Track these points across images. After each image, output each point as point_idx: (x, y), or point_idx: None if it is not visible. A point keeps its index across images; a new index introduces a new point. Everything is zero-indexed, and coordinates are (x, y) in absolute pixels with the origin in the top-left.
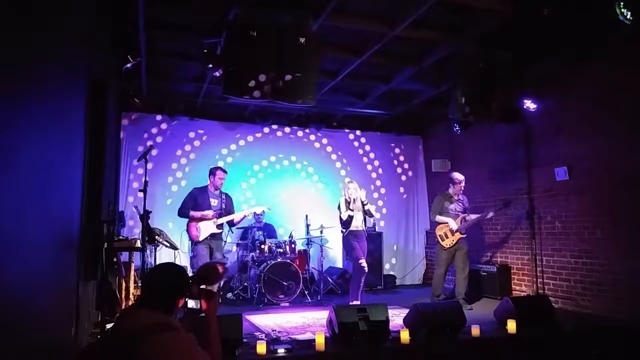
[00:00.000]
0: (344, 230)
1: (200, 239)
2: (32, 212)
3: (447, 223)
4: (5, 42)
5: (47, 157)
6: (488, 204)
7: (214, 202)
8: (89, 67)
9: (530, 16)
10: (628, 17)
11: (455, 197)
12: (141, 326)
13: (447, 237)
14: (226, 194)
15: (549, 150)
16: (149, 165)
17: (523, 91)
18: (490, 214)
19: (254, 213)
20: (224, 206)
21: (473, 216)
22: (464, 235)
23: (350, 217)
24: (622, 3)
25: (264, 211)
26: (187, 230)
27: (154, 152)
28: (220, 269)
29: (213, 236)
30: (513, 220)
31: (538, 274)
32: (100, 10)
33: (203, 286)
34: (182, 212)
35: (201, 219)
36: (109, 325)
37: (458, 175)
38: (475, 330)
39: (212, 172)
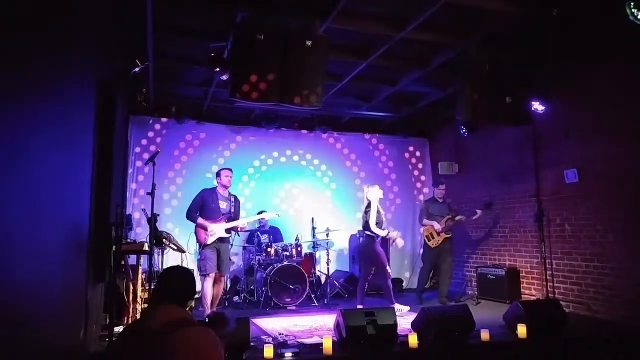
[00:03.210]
0: (375, 235)
1: (209, 242)
2: (42, 215)
3: (432, 225)
4: (14, 46)
5: (56, 160)
6: (496, 207)
7: (223, 205)
8: (98, 70)
9: (538, 18)
10: (639, 17)
11: (441, 201)
12: (169, 320)
13: (433, 238)
14: (235, 197)
15: (557, 153)
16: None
17: (531, 93)
18: (477, 216)
19: (262, 219)
20: (232, 210)
21: (457, 218)
22: (449, 236)
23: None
24: (632, 3)
25: (273, 217)
26: (196, 233)
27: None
28: (227, 325)
29: (221, 240)
30: (520, 222)
31: (548, 277)
32: (108, 15)
33: None
34: (190, 216)
35: (207, 227)
36: (117, 329)
37: (438, 181)
38: (485, 335)
39: (218, 173)
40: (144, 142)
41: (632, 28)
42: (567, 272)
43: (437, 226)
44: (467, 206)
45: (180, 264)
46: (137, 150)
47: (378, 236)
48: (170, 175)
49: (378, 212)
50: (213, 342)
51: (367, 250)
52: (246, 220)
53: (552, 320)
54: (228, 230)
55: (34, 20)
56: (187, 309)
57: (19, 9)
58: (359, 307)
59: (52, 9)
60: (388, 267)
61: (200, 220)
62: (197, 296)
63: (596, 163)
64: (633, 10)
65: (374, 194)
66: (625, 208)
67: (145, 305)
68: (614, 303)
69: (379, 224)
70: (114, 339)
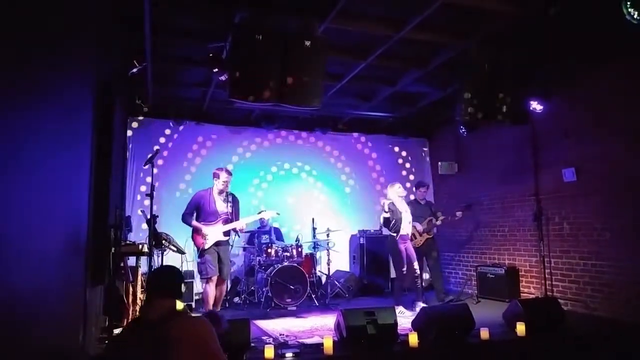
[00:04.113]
0: (395, 234)
1: (207, 247)
2: (39, 217)
3: (414, 226)
4: (14, 46)
5: (54, 161)
6: (495, 206)
7: (220, 206)
8: (96, 71)
9: (537, 17)
10: (635, 16)
11: (422, 202)
12: (164, 312)
13: (415, 238)
14: (233, 196)
15: (556, 152)
16: (155, 170)
17: (530, 93)
18: (456, 217)
19: (262, 219)
20: (230, 210)
21: (441, 218)
22: (431, 236)
23: (388, 220)
24: (628, 3)
25: (273, 216)
26: (193, 239)
27: (162, 154)
28: (220, 324)
29: (219, 243)
30: (520, 221)
31: (546, 276)
32: (107, 16)
33: None
34: (185, 219)
35: (201, 231)
36: (117, 331)
37: (419, 183)
38: (484, 333)
39: (216, 174)
40: (145, 143)
41: (631, 28)
42: (565, 270)
43: (419, 227)
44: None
45: (180, 265)
46: (131, 149)
47: (397, 234)
48: (172, 177)
49: (392, 210)
50: (209, 330)
51: (389, 248)
52: (244, 221)
53: (551, 318)
54: (226, 233)
55: (33, 20)
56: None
57: (19, 9)
58: (397, 308)
59: (52, 9)
60: (404, 269)
61: (195, 223)
62: (197, 297)
63: (594, 162)
64: (629, 10)
65: (391, 192)
66: (622, 206)
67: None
68: (612, 300)
69: (394, 222)
70: (114, 336)
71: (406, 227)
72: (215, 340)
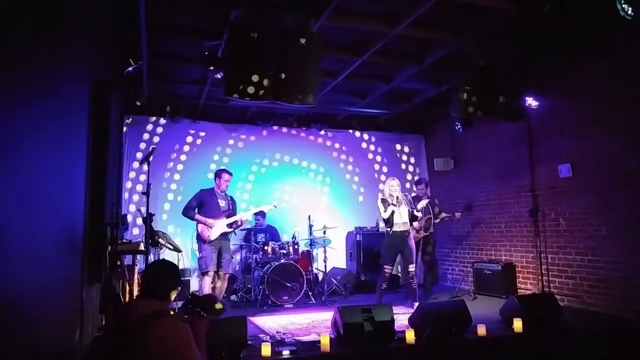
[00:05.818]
0: (389, 230)
1: (212, 238)
2: (35, 215)
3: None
4: (8, 44)
5: (50, 160)
6: (491, 203)
7: (222, 203)
8: (92, 69)
9: (532, 14)
10: (629, 12)
11: (424, 199)
12: (144, 314)
13: (417, 233)
14: (231, 197)
15: (552, 148)
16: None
17: (526, 89)
18: (455, 217)
19: (261, 212)
20: (230, 207)
21: (441, 216)
22: (428, 234)
23: (392, 214)
24: None
25: (271, 209)
26: (199, 231)
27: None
28: (219, 308)
29: (224, 235)
30: (516, 218)
31: (543, 271)
32: (103, 14)
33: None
34: (187, 212)
35: (205, 223)
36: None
37: (418, 180)
38: (481, 330)
39: (218, 174)
40: (139, 141)
41: (626, 24)
42: (561, 265)
43: (416, 224)
44: (463, 202)
45: (176, 263)
46: (131, 149)
47: (389, 230)
48: (167, 175)
49: (382, 206)
50: (184, 336)
51: (383, 242)
52: (245, 214)
53: (547, 313)
54: (229, 225)
55: (31, 19)
56: (170, 296)
57: (17, 8)
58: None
59: (49, 8)
60: (386, 267)
61: (199, 217)
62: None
63: (590, 158)
64: (623, 6)
65: (385, 188)
66: (618, 202)
67: None
68: (608, 295)
69: (388, 218)
70: (96, 337)
71: (401, 223)
72: (190, 347)
